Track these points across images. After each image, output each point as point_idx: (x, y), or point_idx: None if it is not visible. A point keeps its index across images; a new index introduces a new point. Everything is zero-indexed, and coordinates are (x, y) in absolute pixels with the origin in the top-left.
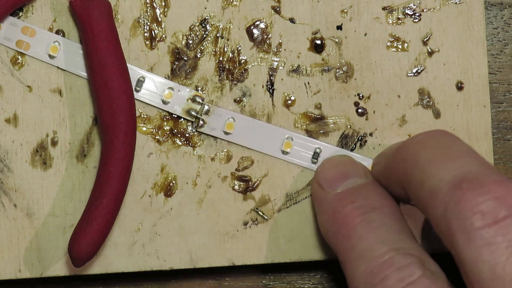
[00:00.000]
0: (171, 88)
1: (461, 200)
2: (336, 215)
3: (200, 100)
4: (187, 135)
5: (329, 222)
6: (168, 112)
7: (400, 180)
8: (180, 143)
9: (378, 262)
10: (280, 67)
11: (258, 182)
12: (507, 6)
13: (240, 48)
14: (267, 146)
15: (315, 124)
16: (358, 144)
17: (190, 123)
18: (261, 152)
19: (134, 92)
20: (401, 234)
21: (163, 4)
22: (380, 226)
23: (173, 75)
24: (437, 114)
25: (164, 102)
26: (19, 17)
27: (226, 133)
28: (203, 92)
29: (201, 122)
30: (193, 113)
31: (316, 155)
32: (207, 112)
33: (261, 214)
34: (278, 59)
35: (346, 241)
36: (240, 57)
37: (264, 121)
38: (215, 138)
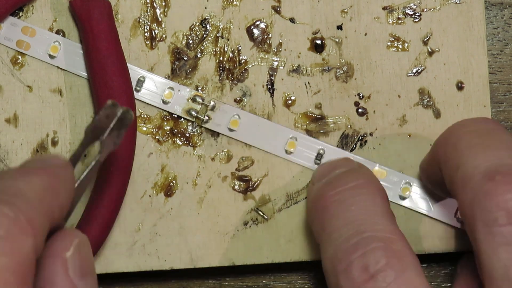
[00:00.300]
0: (171, 88)
1: (490, 192)
2: (315, 200)
3: (201, 100)
4: (187, 135)
5: (310, 209)
6: (168, 112)
7: (439, 163)
8: (180, 143)
9: (344, 247)
10: (280, 67)
11: (258, 182)
12: (507, 6)
13: (240, 48)
14: (271, 144)
15: (316, 124)
16: (358, 144)
17: (190, 123)
18: (264, 150)
19: (134, 92)
20: (372, 213)
21: (163, 4)
22: (350, 205)
23: (173, 75)
24: (437, 114)
25: (165, 102)
26: (19, 17)
27: (231, 130)
28: (203, 92)
29: (206, 117)
30: (193, 113)
31: (319, 156)
32: (212, 108)
33: (261, 214)
34: (278, 59)
35: (320, 222)
36: (240, 57)
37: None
38: (215, 138)
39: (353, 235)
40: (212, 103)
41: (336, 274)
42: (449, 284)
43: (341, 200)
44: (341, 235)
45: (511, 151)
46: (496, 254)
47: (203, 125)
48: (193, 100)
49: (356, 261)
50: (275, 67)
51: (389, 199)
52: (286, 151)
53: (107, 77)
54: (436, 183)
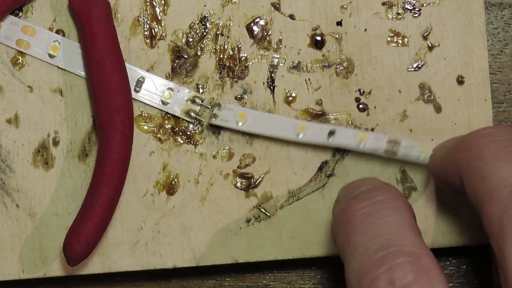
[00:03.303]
0: (171, 89)
1: None
2: (341, 214)
3: (200, 101)
4: (188, 133)
5: (335, 223)
6: None
7: (460, 170)
8: (181, 141)
9: (369, 261)
10: (281, 64)
11: (260, 179)
12: (507, 6)
13: (240, 45)
14: (282, 129)
15: (317, 120)
16: None
17: (190, 122)
18: (276, 136)
19: (134, 93)
20: (399, 227)
21: (163, 2)
22: (377, 219)
23: (174, 73)
24: (438, 109)
25: (164, 103)
26: (19, 17)
27: (240, 123)
28: (204, 90)
29: (215, 110)
30: (192, 114)
31: (331, 133)
32: (219, 106)
33: (264, 211)
34: (278, 56)
35: (345, 236)
36: (241, 54)
37: None
38: (217, 135)
39: (380, 249)
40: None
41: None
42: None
43: (367, 214)
44: (368, 248)
45: None
46: None
47: (211, 123)
48: (192, 101)
49: (382, 276)
50: (275, 64)
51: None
52: (297, 134)
53: (105, 76)
54: (450, 185)
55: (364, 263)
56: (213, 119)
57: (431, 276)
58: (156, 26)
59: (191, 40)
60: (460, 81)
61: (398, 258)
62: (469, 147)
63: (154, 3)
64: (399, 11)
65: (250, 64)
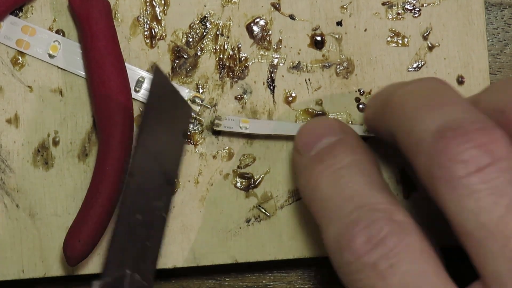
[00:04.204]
0: None
1: (444, 149)
2: (308, 178)
3: (200, 101)
4: (188, 133)
5: (304, 187)
6: None
7: (389, 127)
8: None
9: (345, 222)
10: (281, 64)
11: (260, 179)
12: (507, 6)
13: (240, 45)
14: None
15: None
16: None
17: (191, 122)
18: (281, 134)
19: (134, 93)
20: (370, 187)
21: (163, 2)
22: (348, 182)
23: (174, 73)
24: None
25: None
26: (19, 17)
27: (243, 128)
28: (204, 90)
29: (216, 121)
30: (192, 114)
31: None
32: (219, 118)
33: (264, 211)
34: (278, 56)
35: (319, 203)
36: (241, 55)
37: (265, 118)
38: (217, 136)
39: (354, 210)
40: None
41: (341, 250)
42: None
43: (337, 178)
44: (341, 212)
45: (457, 105)
46: (464, 205)
47: (216, 129)
48: (192, 101)
49: (359, 234)
50: (275, 64)
51: None
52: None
53: (105, 76)
54: (386, 140)
55: (340, 226)
56: (217, 126)
57: (405, 227)
58: (156, 26)
59: (191, 40)
60: (460, 81)
61: (373, 215)
62: (394, 107)
63: (154, 3)
64: (399, 11)
65: (250, 64)
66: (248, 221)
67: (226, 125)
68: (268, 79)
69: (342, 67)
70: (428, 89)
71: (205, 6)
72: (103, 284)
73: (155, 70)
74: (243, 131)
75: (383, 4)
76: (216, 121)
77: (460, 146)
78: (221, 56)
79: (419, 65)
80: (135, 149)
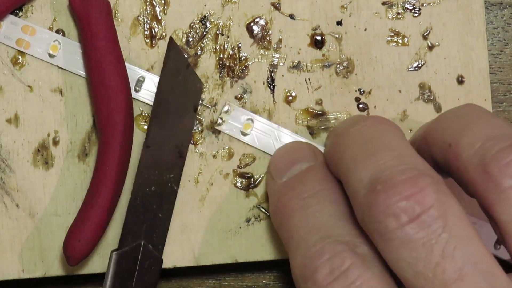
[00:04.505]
0: None
1: (374, 203)
2: (279, 204)
3: (200, 101)
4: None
5: (274, 212)
6: None
7: (335, 173)
8: None
9: (310, 253)
10: (281, 64)
11: (260, 178)
12: (507, 6)
13: (240, 45)
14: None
15: (317, 120)
16: None
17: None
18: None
19: (134, 92)
20: (336, 218)
21: (163, 2)
22: (315, 212)
23: None
24: (438, 108)
25: None
26: (19, 17)
27: (244, 134)
28: (204, 89)
29: (219, 120)
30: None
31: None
32: (226, 111)
33: (264, 211)
34: (278, 56)
35: (287, 231)
36: (241, 54)
37: (265, 118)
38: (217, 135)
39: (318, 241)
40: (226, 107)
41: (305, 280)
42: None
43: (305, 207)
44: (307, 242)
45: (390, 152)
46: (399, 257)
47: (216, 127)
48: None
49: (322, 266)
50: (275, 63)
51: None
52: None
53: (105, 76)
54: None
55: (305, 256)
56: (219, 125)
57: (368, 261)
58: (156, 25)
59: (191, 40)
60: (460, 80)
61: (336, 248)
62: (336, 154)
63: (154, 2)
64: (399, 11)
65: (250, 63)
66: (248, 221)
67: (228, 126)
68: (268, 79)
69: (342, 67)
70: (365, 134)
71: (205, 5)
72: (121, 253)
73: (170, 43)
74: (240, 138)
75: (383, 3)
76: (223, 115)
77: (390, 199)
78: (221, 55)
79: (419, 65)
80: (151, 121)
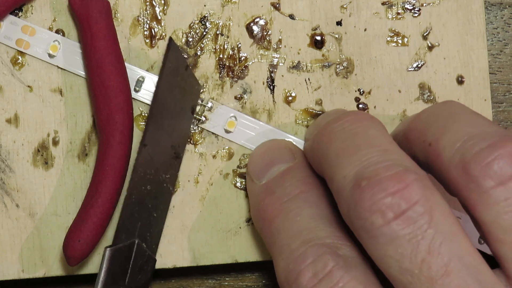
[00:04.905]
0: None
1: (360, 200)
2: (259, 208)
3: (200, 101)
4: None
5: (256, 216)
6: None
7: (319, 170)
8: None
9: (293, 257)
10: (280, 64)
11: None
12: (507, 6)
13: (240, 45)
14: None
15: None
16: None
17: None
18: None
19: (134, 92)
20: (317, 220)
21: (163, 2)
22: (296, 215)
23: None
24: None
25: None
26: (19, 17)
27: (227, 131)
28: (204, 89)
29: (203, 118)
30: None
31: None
32: (210, 109)
33: None
34: (278, 56)
35: (270, 235)
36: (240, 54)
37: (265, 118)
38: (216, 135)
39: (301, 245)
40: (209, 104)
41: (290, 285)
42: None
43: (286, 212)
44: (290, 246)
45: (375, 147)
46: (385, 253)
47: (200, 125)
48: None
49: (306, 269)
50: (275, 63)
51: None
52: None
53: (104, 76)
54: None
55: (289, 261)
56: (202, 123)
57: (350, 262)
58: (156, 26)
59: (191, 40)
60: (460, 81)
61: (319, 251)
62: (318, 151)
63: (154, 3)
64: (399, 11)
65: (250, 64)
66: (248, 221)
67: (212, 123)
68: (268, 79)
69: (342, 67)
70: (348, 130)
71: (205, 6)
72: (115, 250)
73: (170, 43)
74: (223, 135)
75: (383, 4)
76: (206, 112)
77: (375, 195)
78: (221, 56)
79: (419, 65)
80: (148, 120)
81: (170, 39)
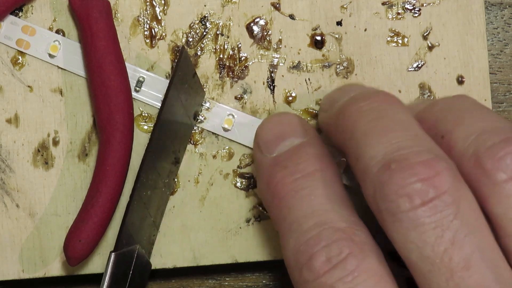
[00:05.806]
0: None
1: (388, 182)
2: (269, 182)
3: (200, 110)
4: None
5: (264, 190)
6: None
7: (341, 148)
8: None
9: (305, 239)
10: (281, 64)
11: None
12: (507, 6)
13: (240, 45)
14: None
15: (317, 121)
16: None
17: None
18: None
19: (134, 92)
20: (331, 202)
21: (163, 2)
22: (309, 194)
23: None
24: None
25: None
26: (19, 17)
27: (225, 130)
28: (204, 89)
29: (201, 117)
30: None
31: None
32: (207, 109)
33: (264, 211)
34: (278, 56)
35: (278, 211)
36: (241, 54)
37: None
38: (217, 135)
39: (314, 227)
40: (207, 103)
41: (299, 267)
42: None
43: (299, 189)
44: (302, 226)
45: (405, 132)
46: (408, 239)
47: (198, 125)
48: None
49: (319, 253)
50: (275, 63)
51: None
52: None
53: (105, 76)
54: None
55: (300, 241)
56: (200, 122)
57: (365, 249)
58: (156, 26)
59: (191, 40)
60: (460, 81)
61: (333, 235)
62: (343, 128)
63: (154, 3)
64: (399, 11)
65: (250, 64)
66: (248, 221)
67: (210, 122)
68: (268, 79)
69: (342, 67)
70: (377, 110)
71: (205, 6)
72: (119, 255)
73: (182, 52)
74: (222, 134)
75: (383, 4)
76: (204, 112)
77: (405, 179)
78: (221, 56)
79: (419, 65)
80: (155, 127)
81: (183, 47)
